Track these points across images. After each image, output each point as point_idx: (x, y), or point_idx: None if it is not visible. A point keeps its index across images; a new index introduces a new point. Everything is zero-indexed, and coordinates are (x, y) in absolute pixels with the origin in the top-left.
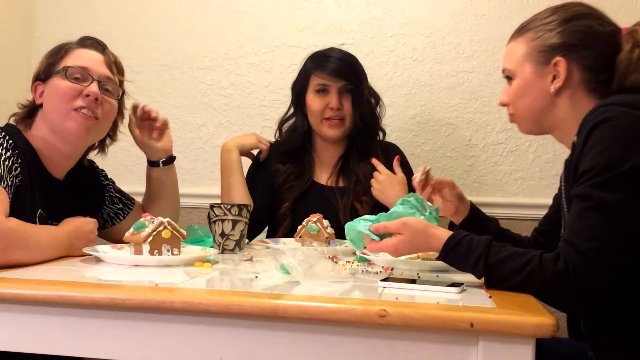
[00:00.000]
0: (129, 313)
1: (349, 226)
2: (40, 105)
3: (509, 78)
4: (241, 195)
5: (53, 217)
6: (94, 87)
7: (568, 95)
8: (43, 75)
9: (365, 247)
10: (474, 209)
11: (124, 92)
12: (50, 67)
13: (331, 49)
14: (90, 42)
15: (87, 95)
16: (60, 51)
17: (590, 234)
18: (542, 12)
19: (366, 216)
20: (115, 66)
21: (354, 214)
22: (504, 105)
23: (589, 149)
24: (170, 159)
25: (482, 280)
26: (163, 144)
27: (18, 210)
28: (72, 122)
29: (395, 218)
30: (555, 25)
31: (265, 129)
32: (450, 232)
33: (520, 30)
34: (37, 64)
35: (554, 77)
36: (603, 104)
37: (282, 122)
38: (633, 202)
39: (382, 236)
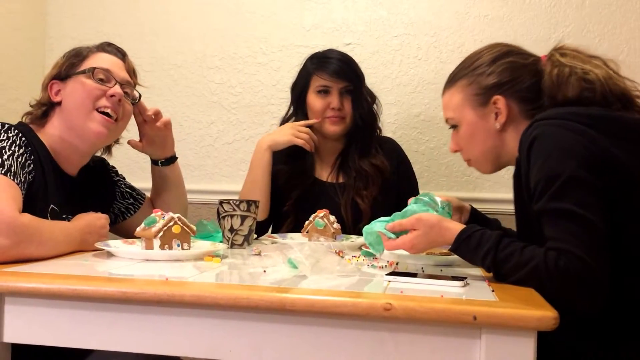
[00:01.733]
0: (140, 306)
1: (366, 229)
2: (57, 103)
3: (454, 126)
4: (262, 196)
5: (65, 212)
6: (118, 89)
7: (512, 128)
8: (63, 75)
9: (384, 249)
10: (474, 212)
11: (140, 96)
12: (70, 68)
13: (330, 50)
14: (111, 48)
15: (112, 96)
16: (81, 53)
17: (569, 237)
18: (465, 61)
19: (382, 218)
20: (133, 73)
21: (355, 209)
22: (455, 152)
23: (533, 164)
24: (171, 159)
25: (485, 274)
26: (160, 148)
27: (31, 205)
28: (94, 123)
29: (410, 216)
30: (484, 68)
31: (273, 127)
32: (463, 226)
33: (451, 81)
34: (55, 64)
35: (497, 115)
36: (535, 120)
37: (283, 122)
38: (584, 205)
39: (398, 234)
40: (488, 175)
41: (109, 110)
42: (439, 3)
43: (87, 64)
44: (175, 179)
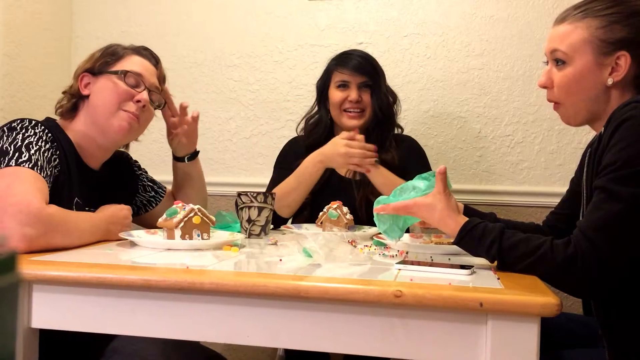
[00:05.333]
0: (161, 294)
1: (377, 218)
2: (85, 96)
3: (560, 62)
4: (292, 199)
5: (89, 205)
6: (145, 95)
7: (620, 89)
8: (96, 70)
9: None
10: (467, 209)
11: (166, 103)
12: (105, 65)
13: (353, 49)
14: (146, 53)
15: (138, 101)
16: (117, 52)
17: (602, 224)
18: (599, 1)
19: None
20: (163, 80)
21: (369, 206)
22: (544, 87)
23: (614, 144)
24: (195, 154)
25: (491, 263)
26: (190, 142)
27: (57, 198)
28: (117, 119)
29: (407, 187)
30: (620, 18)
31: (289, 122)
32: (466, 218)
33: (578, 15)
34: (90, 56)
35: (612, 71)
36: (634, 100)
37: (308, 118)
38: (638, 200)
39: (397, 198)
40: (494, 168)
41: (132, 112)
42: (447, 4)
43: (121, 65)
44: (197, 174)
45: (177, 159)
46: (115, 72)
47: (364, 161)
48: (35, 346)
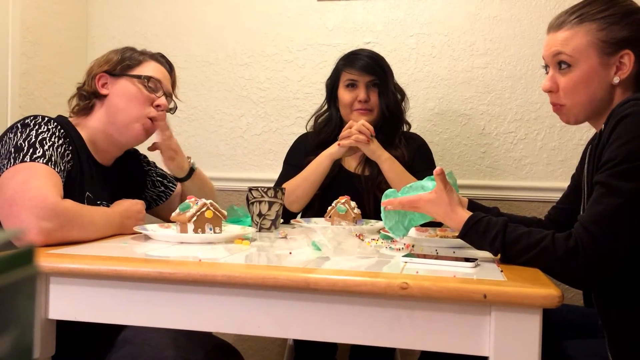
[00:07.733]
0: (175, 285)
1: (384, 215)
2: (103, 96)
3: (564, 65)
4: (300, 194)
5: (100, 200)
6: (164, 100)
7: (623, 87)
8: (117, 72)
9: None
10: (472, 205)
11: (176, 107)
12: (125, 68)
13: (360, 49)
14: (163, 60)
15: (158, 106)
16: (136, 57)
17: (602, 218)
18: (593, 5)
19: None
20: (174, 86)
21: (377, 201)
22: (549, 91)
23: (613, 140)
24: (191, 171)
25: (495, 256)
26: (176, 164)
27: (69, 192)
28: (137, 124)
29: (416, 188)
30: (617, 19)
31: (298, 119)
32: (470, 213)
33: (575, 20)
34: (107, 58)
35: (617, 70)
36: (633, 98)
37: (317, 116)
38: (638, 195)
39: (404, 193)
40: (498, 164)
41: (149, 122)
42: (452, 4)
43: (141, 70)
44: (200, 186)
45: (178, 180)
46: (138, 77)
47: (359, 136)
48: (53, 337)
